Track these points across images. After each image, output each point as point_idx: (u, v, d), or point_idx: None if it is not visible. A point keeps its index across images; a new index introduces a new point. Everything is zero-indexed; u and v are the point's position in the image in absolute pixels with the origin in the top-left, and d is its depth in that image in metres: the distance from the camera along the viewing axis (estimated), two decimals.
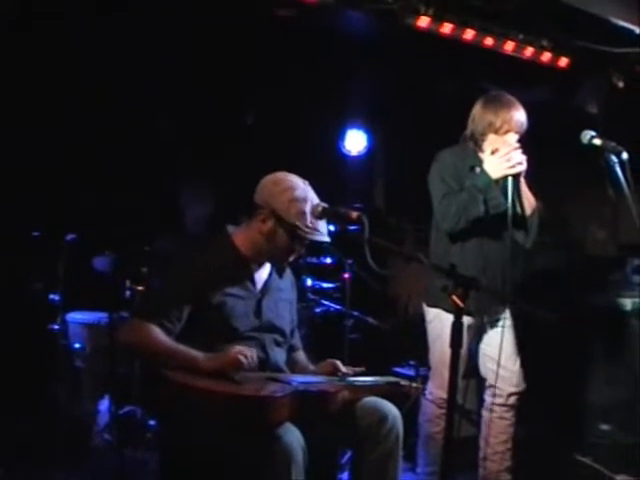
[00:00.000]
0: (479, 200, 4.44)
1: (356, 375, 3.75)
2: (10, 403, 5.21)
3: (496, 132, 4.52)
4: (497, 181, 4.46)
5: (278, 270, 3.85)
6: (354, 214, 3.42)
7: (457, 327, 2.94)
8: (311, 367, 3.94)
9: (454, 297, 2.95)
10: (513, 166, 4.42)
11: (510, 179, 4.42)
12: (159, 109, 6.01)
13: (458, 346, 2.96)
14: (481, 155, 4.61)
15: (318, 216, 3.58)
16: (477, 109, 4.62)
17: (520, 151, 4.45)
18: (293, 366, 3.92)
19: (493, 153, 4.53)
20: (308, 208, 3.60)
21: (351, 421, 3.59)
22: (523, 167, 4.45)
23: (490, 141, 4.56)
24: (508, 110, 4.50)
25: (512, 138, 4.51)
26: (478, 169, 4.53)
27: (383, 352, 4.11)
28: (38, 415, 5.31)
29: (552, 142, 5.36)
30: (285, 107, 6.40)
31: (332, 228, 4.74)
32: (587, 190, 6.02)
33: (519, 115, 4.51)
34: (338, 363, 3.79)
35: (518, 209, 4.50)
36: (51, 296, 5.44)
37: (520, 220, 4.54)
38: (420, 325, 4.82)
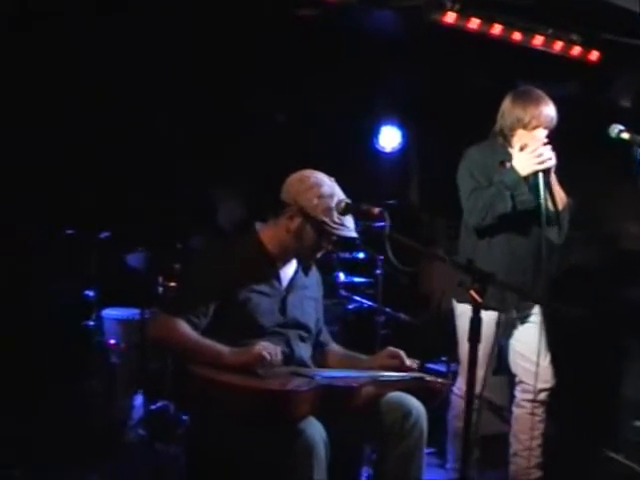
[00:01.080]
0: (506, 196, 4.42)
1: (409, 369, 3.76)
2: (46, 399, 5.30)
3: (525, 127, 4.50)
4: (526, 178, 4.45)
5: (304, 268, 3.88)
6: (376, 210, 3.46)
7: (475, 322, 2.95)
8: (362, 357, 3.95)
9: (472, 292, 2.97)
10: (543, 162, 4.41)
11: (541, 175, 4.40)
12: (190, 108, 6.05)
13: (476, 340, 2.97)
14: (510, 150, 4.59)
15: (341, 212, 3.60)
16: (506, 104, 4.60)
17: (549, 147, 4.43)
18: (327, 360, 3.97)
19: (522, 149, 4.51)
20: (334, 204, 3.63)
21: (375, 416, 3.60)
22: (553, 162, 4.43)
23: (519, 136, 4.54)
24: (537, 105, 4.47)
25: (541, 133, 4.49)
26: (508, 164, 4.52)
27: (415, 348, 4.11)
28: (74, 411, 5.37)
29: (586, 136, 5.31)
30: (317, 106, 6.43)
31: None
32: (622, 185, 5.95)
33: (548, 110, 4.48)
34: (401, 352, 3.80)
35: (550, 206, 4.48)
36: (86, 292, 5.52)
37: (552, 216, 4.52)
38: (452, 321, 4.82)
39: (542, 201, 4.37)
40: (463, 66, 5.78)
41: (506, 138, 4.60)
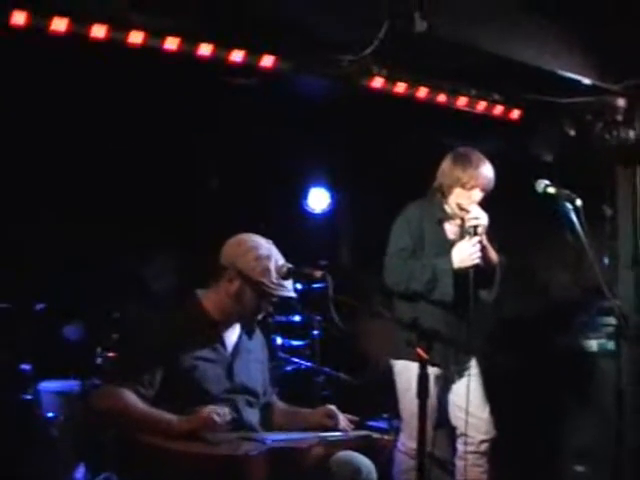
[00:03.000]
0: (425, 281, 4.59)
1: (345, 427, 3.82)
2: None
3: (463, 187, 4.67)
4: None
5: (248, 331, 3.91)
6: (318, 273, 3.54)
7: (423, 378, 3.02)
8: (302, 410, 4.03)
9: (418, 349, 3.03)
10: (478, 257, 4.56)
11: (471, 271, 4.55)
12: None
13: (425, 396, 3.04)
14: (446, 208, 4.76)
15: (284, 277, 3.68)
16: (447, 163, 4.78)
17: (479, 208, 4.61)
18: (273, 418, 4.00)
19: (458, 206, 4.67)
20: (272, 265, 3.70)
21: (326, 476, 3.62)
22: (485, 222, 4.59)
23: (456, 194, 4.71)
24: (476, 167, 4.65)
25: (477, 195, 4.67)
26: (446, 224, 4.73)
27: (356, 407, 4.16)
28: None
29: (513, 192, 5.46)
30: (248, 169, 6.48)
31: (299, 286, 4.84)
32: (551, 236, 6.10)
33: (486, 172, 4.67)
34: (338, 413, 3.86)
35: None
36: (22, 366, 5.44)
37: (482, 278, 4.64)
38: (391, 378, 4.88)
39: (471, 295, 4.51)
40: (391, 128, 5.89)
41: (444, 195, 4.76)
